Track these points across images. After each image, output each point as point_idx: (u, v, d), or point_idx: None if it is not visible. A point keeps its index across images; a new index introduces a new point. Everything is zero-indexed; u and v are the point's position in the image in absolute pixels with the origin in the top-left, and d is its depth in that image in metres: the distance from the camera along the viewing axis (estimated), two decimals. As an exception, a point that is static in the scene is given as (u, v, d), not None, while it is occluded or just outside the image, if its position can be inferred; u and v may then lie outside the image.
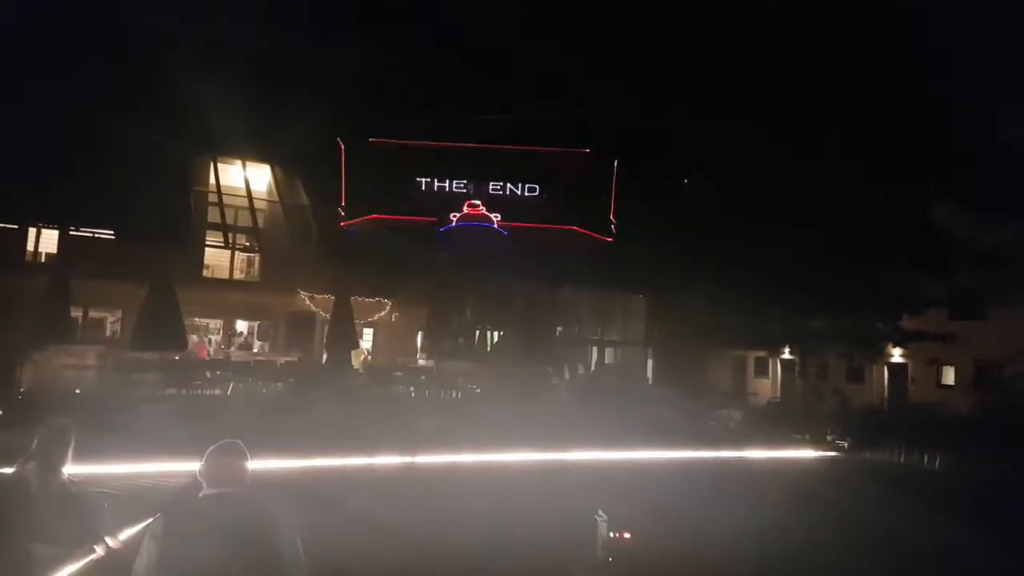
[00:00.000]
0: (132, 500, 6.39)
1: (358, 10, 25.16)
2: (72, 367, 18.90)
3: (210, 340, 25.13)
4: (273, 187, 26.34)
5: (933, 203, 22.07)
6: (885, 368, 27.18)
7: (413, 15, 25.28)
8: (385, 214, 21.99)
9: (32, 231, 22.60)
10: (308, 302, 24.87)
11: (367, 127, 25.58)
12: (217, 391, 19.78)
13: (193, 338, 23.57)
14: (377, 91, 24.92)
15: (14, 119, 20.52)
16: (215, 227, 25.19)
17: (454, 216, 22.33)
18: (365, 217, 22.45)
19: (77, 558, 4.04)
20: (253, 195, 25.41)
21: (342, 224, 21.76)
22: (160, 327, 18.77)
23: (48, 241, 22.72)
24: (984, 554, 8.89)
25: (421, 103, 24.89)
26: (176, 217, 23.34)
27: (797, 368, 25.40)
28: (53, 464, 4.29)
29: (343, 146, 21.53)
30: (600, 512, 7.58)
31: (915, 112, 22.16)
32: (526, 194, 22.24)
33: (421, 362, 26.03)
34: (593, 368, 30.33)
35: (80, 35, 21.88)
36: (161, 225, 21.96)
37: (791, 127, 21.88)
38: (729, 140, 23.74)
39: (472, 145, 21.77)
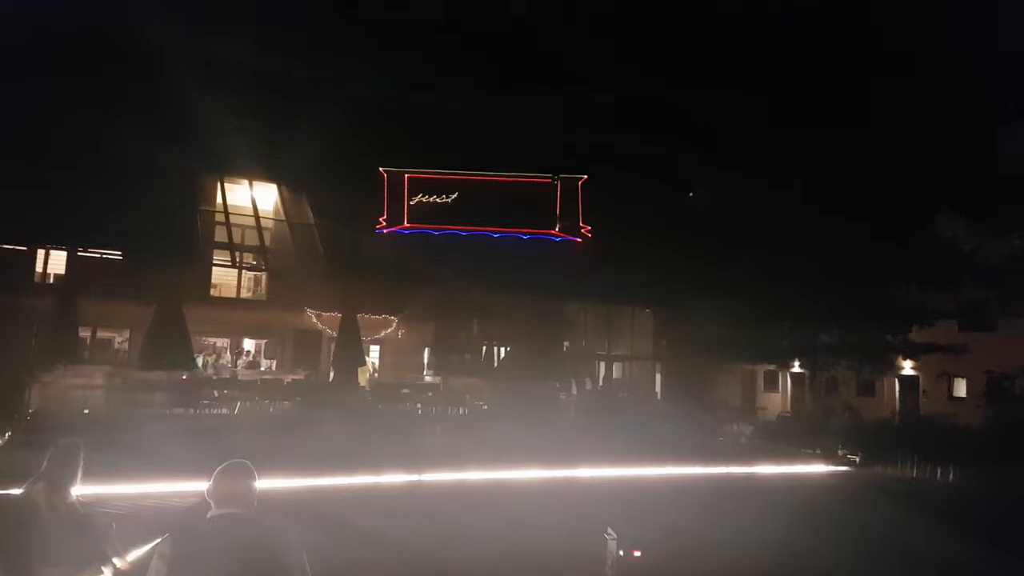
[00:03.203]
0: (140, 520, 6.38)
1: (364, 31, 25.58)
2: (80, 387, 18.93)
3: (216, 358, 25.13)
4: (279, 206, 26.47)
5: (942, 214, 22.00)
6: (896, 381, 26.97)
7: (413, 39, 25.83)
8: (415, 224, 27.24)
9: (41, 252, 22.73)
10: (315, 320, 24.88)
11: (371, 146, 25.93)
12: (224, 410, 19.77)
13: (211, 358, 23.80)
14: (385, 109, 25.25)
15: (22, 141, 20.73)
16: (222, 246, 25.27)
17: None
18: (400, 226, 27.19)
19: (85, 579, 4.02)
20: (260, 214, 25.53)
21: (385, 231, 27.11)
22: (168, 346, 18.81)
23: (57, 262, 22.84)
24: (998, 568, 8.77)
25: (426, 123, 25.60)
26: (183, 237, 23.44)
27: (807, 382, 25.24)
28: (62, 484, 4.28)
29: (385, 175, 27.39)
30: (609, 530, 7.50)
31: (925, 122, 22.17)
32: (518, 208, 27.89)
33: (428, 378, 25.99)
34: (601, 383, 30.20)
35: (89, 55, 22.11)
36: (168, 245, 22.06)
37: (799, 140, 21.88)
38: (737, 153, 23.80)
39: (475, 175, 27.81)
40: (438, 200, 27.92)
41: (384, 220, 27.41)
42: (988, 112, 23.82)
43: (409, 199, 27.63)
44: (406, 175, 27.53)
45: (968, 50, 23.50)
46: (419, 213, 27.66)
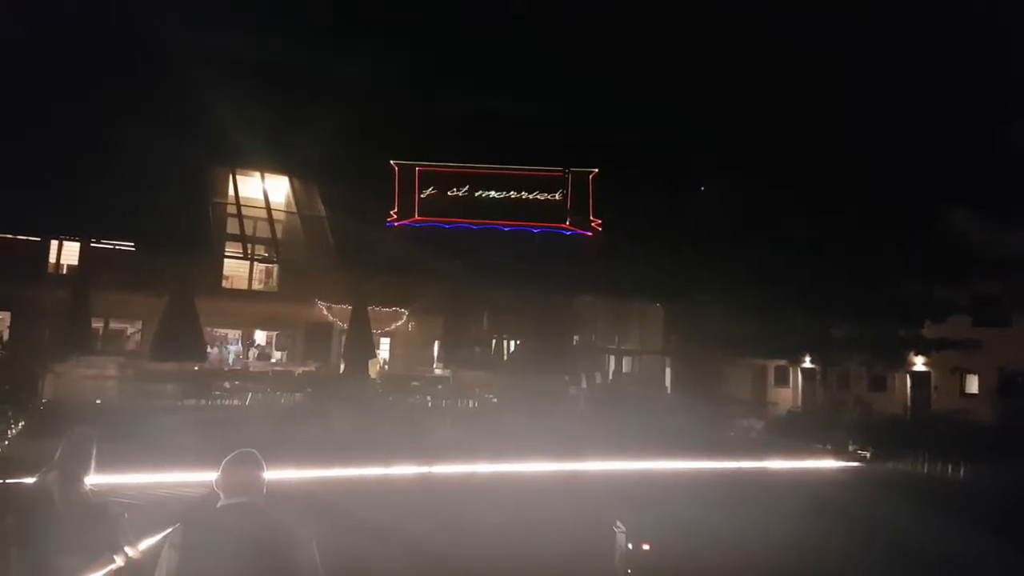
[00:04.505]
0: (151, 510, 6.42)
1: (374, 25, 25.59)
2: (93, 378, 19.08)
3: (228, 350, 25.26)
4: (291, 198, 26.53)
5: (955, 209, 21.81)
6: (908, 376, 26.80)
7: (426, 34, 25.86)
8: (426, 216, 27.33)
9: (54, 243, 22.89)
10: (326, 312, 24.97)
11: (382, 140, 25.94)
12: (236, 401, 19.88)
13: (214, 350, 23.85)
14: (397, 103, 25.29)
15: (36, 133, 20.86)
16: (234, 238, 25.37)
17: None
18: (411, 219, 27.29)
19: (97, 568, 4.05)
20: (271, 206, 25.61)
21: (396, 224, 27.14)
22: (179, 338, 18.93)
23: (70, 253, 23.00)
24: (1008, 564, 8.72)
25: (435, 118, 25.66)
26: (195, 229, 23.54)
27: (818, 377, 25.14)
28: (75, 474, 4.32)
29: (396, 168, 27.29)
30: (618, 523, 7.50)
31: (936, 116, 21.98)
32: (530, 200, 28.08)
33: (438, 371, 26.04)
34: (611, 377, 30.18)
35: (101, 49, 22.20)
36: (181, 237, 22.17)
37: (811, 135, 21.74)
38: (749, 148, 23.69)
39: (486, 168, 27.84)
40: (449, 193, 27.93)
41: (395, 213, 27.44)
42: (1003, 105, 23.59)
43: (420, 192, 27.68)
44: (417, 168, 27.57)
45: (979, 41, 23.27)
46: (430, 206, 27.70)
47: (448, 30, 27.32)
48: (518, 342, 26.96)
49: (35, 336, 19.20)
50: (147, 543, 4.14)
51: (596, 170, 28.10)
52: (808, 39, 24.28)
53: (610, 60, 25.80)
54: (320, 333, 25.55)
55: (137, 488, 9.33)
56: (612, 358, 31.39)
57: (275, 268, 26.41)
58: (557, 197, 28.01)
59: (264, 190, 25.77)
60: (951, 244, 21.69)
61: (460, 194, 27.95)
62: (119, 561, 4.10)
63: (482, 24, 27.26)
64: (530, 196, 28.09)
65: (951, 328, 22.77)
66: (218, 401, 19.55)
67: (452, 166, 27.92)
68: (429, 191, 27.72)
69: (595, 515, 8.34)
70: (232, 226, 25.27)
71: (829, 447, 18.66)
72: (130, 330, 24.39)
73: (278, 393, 20.46)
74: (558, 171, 28.08)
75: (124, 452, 8.64)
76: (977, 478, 15.33)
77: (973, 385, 25.61)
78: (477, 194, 28.05)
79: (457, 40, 26.99)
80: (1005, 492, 13.60)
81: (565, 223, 27.77)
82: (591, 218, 28.06)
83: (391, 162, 27.52)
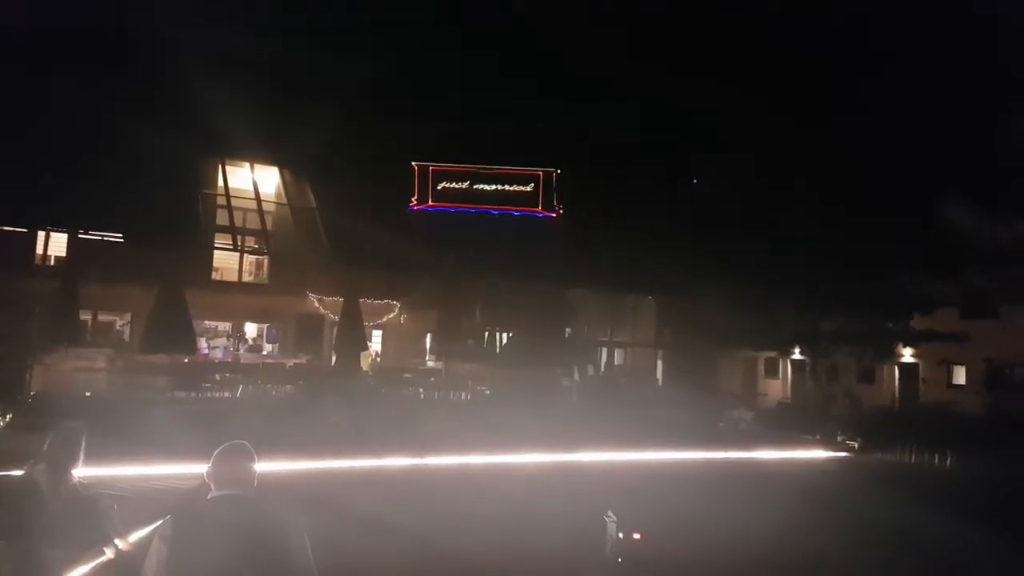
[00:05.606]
0: (142, 502, 6.41)
1: (366, 16, 25.56)
2: (82, 370, 18.98)
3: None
4: (281, 189, 26.39)
5: (944, 202, 21.94)
6: (896, 368, 26.99)
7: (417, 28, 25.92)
8: (439, 202, 30.84)
9: (41, 234, 22.68)
10: (317, 304, 24.89)
11: (373, 132, 25.91)
12: (227, 393, 19.82)
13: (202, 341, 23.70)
14: (386, 95, 25.25)
15: (23, 124, 20.66)
16: (224, 230, 25.21)
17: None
18: (427, 204, 30.67)
19: (87, 560, 4.03)
20: (261, 197, 25.46)
21: (415, 208, 30.70)
22: (169, 330, 18.83)
23: (57, 244, 22.80)
24: (995, 554, 8.81)
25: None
26: (185, 220, 23.39)
27: (808, 368, 25.28)
28: (63, 466, 4.29)
29: (416, 167, 30.80)
30: (609, 513, 7.54)
31: (926, 111, 22.08)
32: (513, 190, 32.10)
33: (430, 364, 26.04)
34: (603, 369, 30.27)
35: (89, 40, 22.00)
36: (170, 228, 22.03)
37: (803, 127, 21.81)
38: (743, 143, 23.75)
39: (485, 169, 31.39)
40: (456, 186, 31.02)
41: (415, 199, 30.71)
42: (990, 100, 23.73)
43: (434, 185, 30.85)
44: (431, 168, 30.85)
45: (972, 38, 23.38)
46: (440, 196, 31.10)
47: (442, 29, 27.46)
48: (511, 334, 27.00)
49: (23, 328, 19.04)
50: (137, 535, 4.13)
51: (558, 170, 31.10)
52: (802, 37, 24.36)
53: (603, 57, 25.88)
54: (311, 325, 25.46)
55: (127, 480, 9.30)
56: (604, 350, 31.50)
57: (265, 260, 26.28)
58: (532, 189, 31.68)
59: (254, 181, 25.63)
60: (940, 237, 21.83)
61: (463, 187, 31.25)
62: (109, 553, 4.09)
63: (477, 24, 27.40)
64: (511, 188, 31.57)
65: (939, 320, 22.93)
66: (208, 394, 19.48)
67: (458, 166, 31.18)
68: (443, 184, 31.15)
69: (586, 505, 8.37)
70: (222, 217, 25.12)
71: (818, 438, 18.80)
72: (119, 322, 24.24)
73: (269, 386, 20.41)
74: (535, 170, 31.37)
75: (114, 445, 8.63)
76: (964, 469, 15.48)
77: (961, 377, 25.81)
78: (475, 187, 31.04)
79: (451, 39, 27.16)
80: (991, 483, 13.74)
81: (537, 208, 31.36)
82: (555, 204, 31.13)
83: (412, 163, 30.25)
